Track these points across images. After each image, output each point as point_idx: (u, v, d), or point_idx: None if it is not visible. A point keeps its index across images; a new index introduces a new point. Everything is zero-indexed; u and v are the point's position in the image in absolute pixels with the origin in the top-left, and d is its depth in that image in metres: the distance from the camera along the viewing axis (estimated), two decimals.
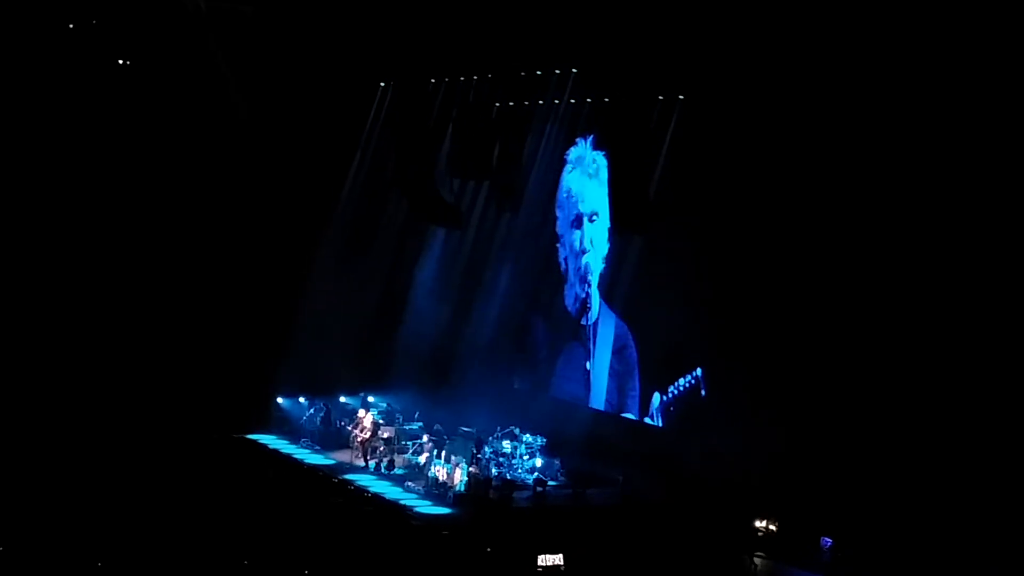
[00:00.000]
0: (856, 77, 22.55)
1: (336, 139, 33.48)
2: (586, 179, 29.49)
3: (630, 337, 28.46)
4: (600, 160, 29.03)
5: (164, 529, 22.19)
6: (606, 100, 28.49)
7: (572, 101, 29.49)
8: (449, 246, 32.76)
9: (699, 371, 26.47)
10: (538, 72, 29.59)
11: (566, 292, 30.06)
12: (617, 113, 28.17)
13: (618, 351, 28.66)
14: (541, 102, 30.04)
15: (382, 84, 33.76)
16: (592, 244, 29.20)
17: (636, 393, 28.31)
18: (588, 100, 29.14)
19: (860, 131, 22.71)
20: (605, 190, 28.66)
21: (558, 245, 30.26)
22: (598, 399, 29.07)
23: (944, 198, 21.49)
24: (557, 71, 29.26)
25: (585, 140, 29.48)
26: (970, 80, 21.07)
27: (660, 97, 27.15)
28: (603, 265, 29.04)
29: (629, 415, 28.39)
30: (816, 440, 23.24)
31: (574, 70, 29.02)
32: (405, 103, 33.00)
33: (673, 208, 27.06)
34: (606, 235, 28.85)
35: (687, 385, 26.79)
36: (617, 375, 28.63)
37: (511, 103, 30.70)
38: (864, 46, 22.25)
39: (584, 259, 29.32)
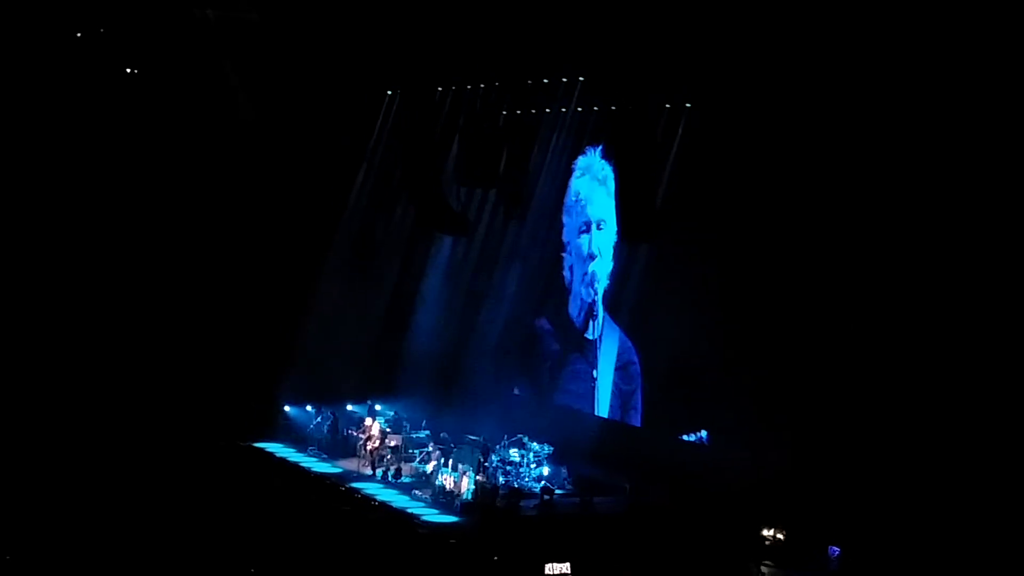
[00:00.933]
0: (864, 84, 22.51)
1: (343, 147, 33.50)
2: (596, 184, 29.44)
3: (634, 353, 28.39)
4: (608, 169, 29.00)
5: (170, 537, 22.19)
6: (613, 108, 28.50)
7: (579, 109, 29.50)
8: (456, 254, 32.76)
9: (704, 434, 26.35)
10: (545, 80, 29.61)
11: (570, 302, 30.00)
12: (624, 121, 28.16)
13: (622, 367, 28.59)
14: (548, 110, 30.06)
15: (389, 92, 33.80)
16: (599, 251, 29.15)
17: (639, 408, 28.25)
18: (595, 108, 29.16)
19: (869, 138, 22.67)
20: (613, 200, 28.61)
21: (564, 254, 30.21)
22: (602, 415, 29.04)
23: (957, 204, 21.44)
24: (564, 79, 29.26)
25: (594, 150, 29.46)
26: (973, 84, 21.04)
27: (667, 105, 27.14)
28: (607, 282, 28.93)
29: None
30: (824, 449, 23.21)
31: (581, 78, 29.02)
32: (412, 111, 33.02)
33: (680, 217, 27.06)
34: (612, 247, 28.78)
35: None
36: (621, 392, 28.54)
37: (518, 111, 30.72)
38: (873, 54, 22.20)
39: (591, 265, 29.24)
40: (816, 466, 23.26)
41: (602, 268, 29.07)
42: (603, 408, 29.02)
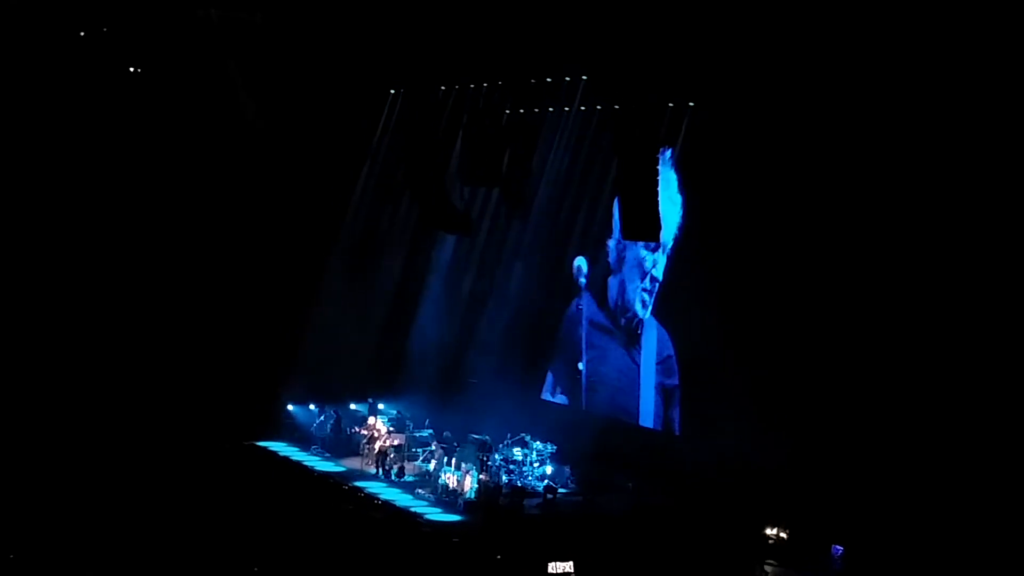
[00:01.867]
0: (869, 84, 22.48)
1: (346, 146, 33.51)
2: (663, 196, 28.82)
3: (670, 344, 28.10)
4: (671, 176, 27.96)
5: (174, 537, 22.21)
6: (616, 107, 28.46)
7: (582, 108, 29.49)
8: (459, 253, 32.76)
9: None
10: (548, 80, 29.61)
11: (613, 288, 29.49)
12: (627, 120, 28.08)
13: (663, 361, 28.33)
14: (551, 109, 30.05)
15: (392, 91, 33.80)
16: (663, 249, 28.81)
17: (678, 406, 27.85)
18: (598, 107, 29.14)
19: (874, 138, 22.64)
20: (678, 207, 28.03)
21: (611, 240, 29.59)
22: (647, 416, 28.58)
23: (959, 205, 21.40)
24: (567, 79, 29.25)
25: (663, 154, 28.02)
26: (975, 85, 21.01)
27: (670, 104, 27.13)
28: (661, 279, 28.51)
29: (675, 430, 27.95)
30: (827, 447, 23.21)
31: (584, 77, 29.01)
32: (415, 110, 33.01)
33: (683, 216, 27.07)
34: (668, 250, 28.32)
35: None
36: (664, 389, 28.19)
37: (521, 110, 30.71)
38: (877, 53, 22.16)
39: (655, 255, 28.60)
40: (819, 465, 23.27)
41: (660, 269, 28.64)
42: (647, 410, 28.56)
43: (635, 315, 28.93)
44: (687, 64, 25.77)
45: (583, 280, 30.21)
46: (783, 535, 23.27)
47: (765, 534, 23.36)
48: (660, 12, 25.28)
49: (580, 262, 30.26)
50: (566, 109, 29.77)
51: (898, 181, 22.28)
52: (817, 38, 23.00)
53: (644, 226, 27.53)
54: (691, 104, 26.85)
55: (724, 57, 24.81)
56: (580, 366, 30.13)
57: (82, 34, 31.09)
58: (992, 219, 21.03)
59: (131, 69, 32.01)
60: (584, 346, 30.27)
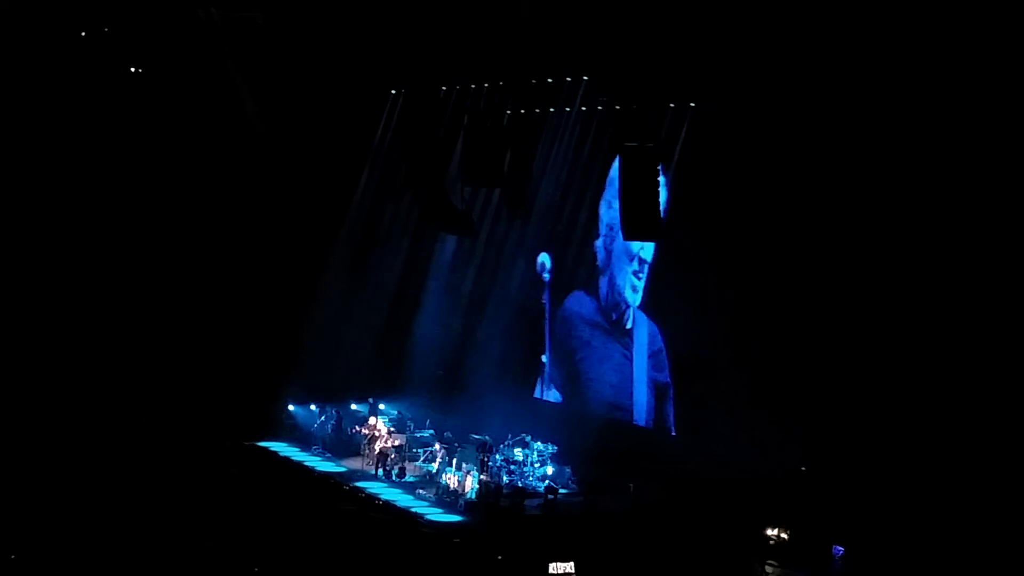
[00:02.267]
0: (870, 85, 22.47)
1: (347, 146, 33.53)
2: None
3: (660, 338, 28.05)
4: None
5: (174, 537, 22.20)
6: (617, 108, 28.44)
7: (583, 109, 29.48)
8: (460, 253, 32.76)
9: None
10: (549, 80, 29.61)
11: (603, 286, 29.49)
12: (628, 120, 28.06)
13: (653, 355, 28.27)
14: (552, 110, 30.04)
15: (393, 92, 33.79)
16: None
17: (672, 400, 27.76)
18: (599, 108, 29.13)
19: (875, 138, 22.62)
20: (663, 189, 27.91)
21: (599, 238, 29.64)
22: (640, 413, 28.53)
23: (962, 203, 21.38)
24: (568, 79, 29.25)
25: None
26: (978, 83, 21.00)
27: (671, 105, 27.12)
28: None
29: (671, 430, 27.89)
30: (828, 448, 23.19)
31: (585, 78, 29.01)
32: (416, 110, 32.99)
33: (683, 216, 27.04)
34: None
35: None
36: (656, 384, 28.16)
37: (522, 111, 30.71)
38: (880, 55, 22.15)
39: (642, 267, 28.73)
40: (821, 465, 23.26)
41: (648, 251, 28.46)
42: (640, 406, 28.50)
43: (626, 304, 28.91)
44: (688, 65, 25.77)
45: (547, 276, 30.29)
46: (783, 535, 23.26)
47: (765, 534, 23.35)
48: (662, 12, 25.27)
49: (543, 258, 30.50)
50: (567, 109, 29.76)
51: (900, 172, 22.23)
52: (812, 35, 23.01)
53: (645, 226, 27.53)
54: (692, 104, 26.83)
55: (726, 58, 24.80)
56: (544, 359, 30.38)
57: (83, 34, 31.10)
58: (992, 207, 21.01)
59: (132, 69, 32.03)
60: (548, 339, 30.40)
